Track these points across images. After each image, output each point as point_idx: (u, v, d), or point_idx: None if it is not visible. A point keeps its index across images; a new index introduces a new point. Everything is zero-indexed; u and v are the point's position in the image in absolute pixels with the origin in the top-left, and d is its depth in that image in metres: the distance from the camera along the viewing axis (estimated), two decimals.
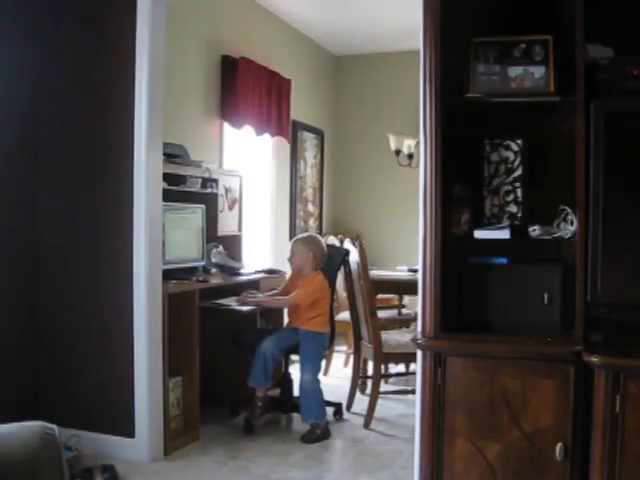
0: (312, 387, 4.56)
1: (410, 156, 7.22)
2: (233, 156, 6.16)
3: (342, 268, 5.02)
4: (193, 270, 4.72)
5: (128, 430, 3.99)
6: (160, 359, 4.04)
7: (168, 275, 4.24)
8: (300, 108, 7.38)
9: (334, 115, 8.47)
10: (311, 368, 4.60)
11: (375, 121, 8.16)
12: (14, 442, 1.87)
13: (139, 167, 3.93)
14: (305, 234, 5.15)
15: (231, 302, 4.67)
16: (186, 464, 3.98)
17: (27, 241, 4.15)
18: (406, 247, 6.88)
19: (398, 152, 7.23)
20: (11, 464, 1.83)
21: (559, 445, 2.84)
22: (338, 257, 4.93)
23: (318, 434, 4.49)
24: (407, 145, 7.21)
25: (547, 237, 3.04)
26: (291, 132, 7.17)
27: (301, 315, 4.69)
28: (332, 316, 4.85)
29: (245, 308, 4.64)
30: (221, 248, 5.18)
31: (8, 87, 3.99)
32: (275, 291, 4.97)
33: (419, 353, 3.20)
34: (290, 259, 4.82)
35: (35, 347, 4.18)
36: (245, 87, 6.00)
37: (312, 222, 7.93)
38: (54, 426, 1.93)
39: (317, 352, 4.69)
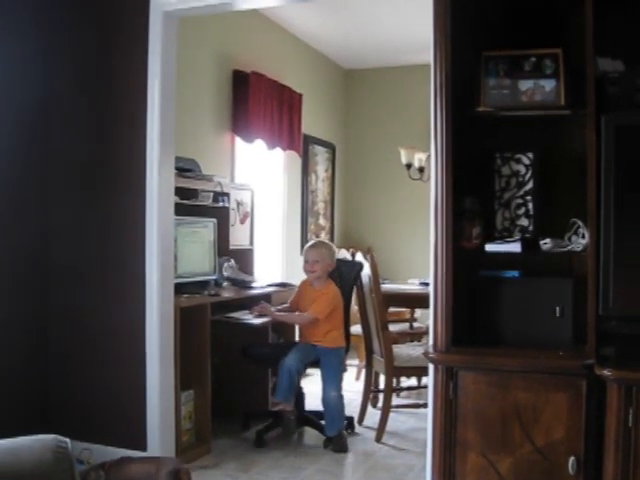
0: (338, 402, 4.60)
1: (421, 170, 7.23)
2: (245, 170, 6.18)
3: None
4: (205, 284, 4.74)
5: (140, 443, 3.98)
6: (172, 372, 4.04)
7: (180, 289, 4.26)
8: (311, 122, 7.41)
9: (345, 129, 8.50)
10: (335, 383, 4.62)
11: (386, 135, 8.18)
12: (27, 455, 1.88)
13: (151, 181, 3.94)
14: (317, 240, 5.19)
15: (244, 315, 4.68)
16: (198, 478, 3.97)
17: (39, 253, 4.17)
18: (417, 260, 6.87)
19: (409, 166, 7.25)
20: (24, 477, 1.84)
21: (572, 459, 2.83)
22: (352, 271, 4.93)
23: (345, 437, 4.62)
24: (418, 159, 7.22)
25: (558, 250, 3.04)
26: (302, 146, 7.20)
27: (317, 330, 4.65)
28: (347, 327, 4.85)
29: (257, 321, 4.65)
30: (233, 262, 5.19)
31: (20, 104, 4.03)
32: (285, 305, 4.94)
33: (431, 367, 3.19)
34: (309, 268, 4.71)
35: (47, 360, 4.19)
36: (256, 101, 6.03)
37: (323, 236, 7.93)
38: (67, 439, 1.94)
39: (338, 367, 4.71)
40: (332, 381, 4.61)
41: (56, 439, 1.93)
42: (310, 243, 4.91)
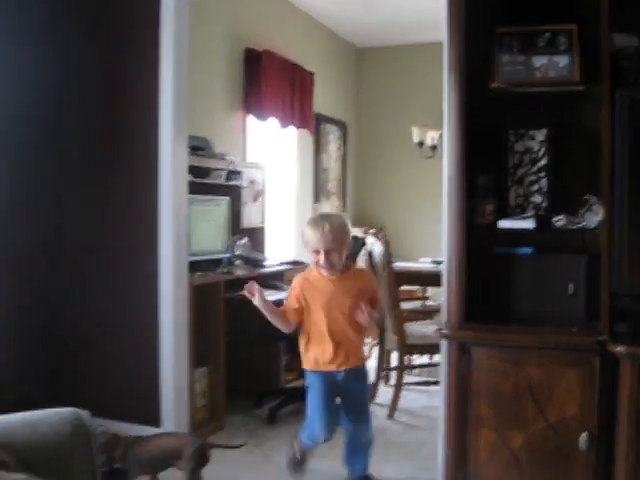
0: (371, 437, 3.44)
1: (433, 148, 7.21)
2: (256, 149, 6.18)
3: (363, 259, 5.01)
4: (218, 262, 4.75)
5: (154, 419, 4.03)
6: (186, 349, 4.07)
7: (193, 267, 4.27)
8: (323, 101, 7.38)
9: (357, 107, 8.47)
10: (368, 415, 3.43)
11: (398, 113, 8.14)
12: (46, 428, 1.91)
13: (165, 160, 3.95)
14: (325, 214, 3.36)
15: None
16: (211, 453, 4.01)
17: (53, 233, 4.19)
18: (429, 239, 6.87)
19: (421, 144, 7.23)
20: (43, 449, 1.87)
21: (584, 435, 2.84)
22: (354, 247, 4.90)
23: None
24: (430, 137, 7.21)
25: (572, 227, 3.04)
26: (314, 125, 7.18)
27: (351, 344, 3.28)
28: None
29: (271, 298, 4.64)
30: (245, 240, 5.20)
31: (34, 87, 4.05)
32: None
33: (444, 343, 3.20)
34: (324, 262, 3.15)
35: (62, 337, 4.22)
36: (269, 80, 6.02)
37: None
38: (85, 412, 1.96)
39: (367, 389, 3.59)
40: (364, 414, 3.40)
41: (74, 412, 1.96)
42: (317, 220, 3.20)
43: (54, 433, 1.90)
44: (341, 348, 3.21)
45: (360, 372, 3.35)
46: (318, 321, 3.22)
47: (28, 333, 4.04)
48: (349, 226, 3.26)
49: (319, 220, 3.18)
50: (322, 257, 3.14)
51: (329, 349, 3.20)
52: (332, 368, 3.22)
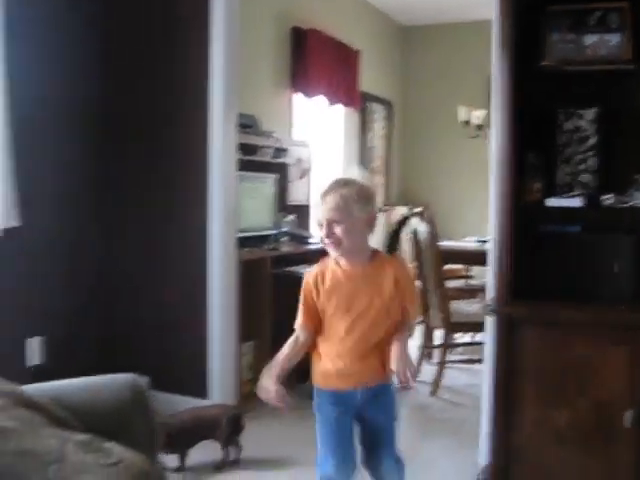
0: (400, 470, 2.58)
1: (479, 127, 7.17)
2: (303, 127, 6.21)
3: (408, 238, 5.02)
4: (264, 238, 4.81)
5: (202, 392, 4.12)
6: (234, 324, 4.14)
7: (241, 243, 4.33)
8: (369, 79, 7.37)
9: (403, 86, 8.44)
10: (394, 441, 2.55)
11: (444, 92, 8.09)
12: (106, 393, 1.98)
13: (215, 137, 4.01)
14: (337, 180, 2.51)
15: (303, 269, 4.72)
16: (257, 426, 4.07)
17: (102, 212, 4.29)
18: (474, 218, 6.86)
19: (467, 123, 7.19)
20: (104, 414, 1.94)
21: (629, 412, 2.84)
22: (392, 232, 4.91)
23: None
24: (476, 116, 7.16)
25: (620, 206, 3.02)
26: (360, 103, 7.18)
27: (377, 356, 2.43)
28: None
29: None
30: (292, 217, 5.24)
31: (79, 61, 4.12)
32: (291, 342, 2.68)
33: (490, 320, 3.22)
34: (328, 237, 2.39)
35: (113, 310, 4.33)
36: (315, 58, 6.04)
37: (380, 193, 7.95)
38: (145, 378, 2.02)
39: (395, 409, 2.58)
40: (390, 440, 2.53)
41: (134, 378, 2.03)
42: (328, 185, 2.48)
43: (115, 398, 1.97)
44: (363, 361, 2.43)
45: (386, 392, 2.51)
46: (335, 325, 2.45)
47: (82, 310, 4.14)
48: (370, 194, 2.47)
49: (330, 185, 2.45)
50: (324, 230, 2.38)
51: (348, 362, 2.42)
52: (349, 385, 2.45)
